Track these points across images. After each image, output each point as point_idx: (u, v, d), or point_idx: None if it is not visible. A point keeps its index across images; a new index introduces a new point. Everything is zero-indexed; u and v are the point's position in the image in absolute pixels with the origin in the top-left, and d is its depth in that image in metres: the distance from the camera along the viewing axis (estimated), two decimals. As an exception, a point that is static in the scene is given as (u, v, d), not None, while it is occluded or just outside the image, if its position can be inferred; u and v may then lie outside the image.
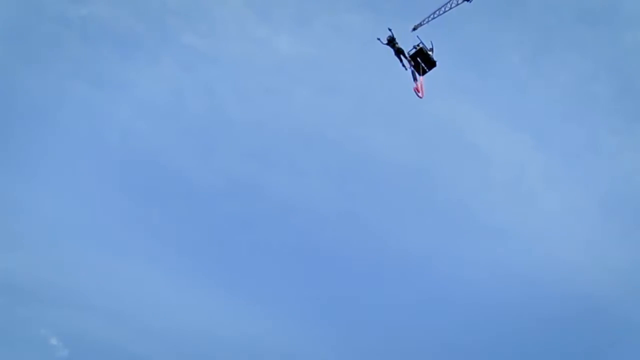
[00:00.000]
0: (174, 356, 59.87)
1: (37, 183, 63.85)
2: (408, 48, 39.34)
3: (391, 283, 65.52)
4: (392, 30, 39.13)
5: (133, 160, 67.68)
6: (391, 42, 39.47)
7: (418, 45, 39.13)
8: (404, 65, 39.81)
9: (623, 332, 60.41)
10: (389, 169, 70.14)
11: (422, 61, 38.92)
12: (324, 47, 72.28)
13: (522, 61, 73.53)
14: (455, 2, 42.51)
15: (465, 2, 42.31)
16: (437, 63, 39.26)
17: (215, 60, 71.67)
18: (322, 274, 65.98)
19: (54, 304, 59.92)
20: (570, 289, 62.15)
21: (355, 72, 69.66)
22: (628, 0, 71.72)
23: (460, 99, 69.21)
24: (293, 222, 67.72)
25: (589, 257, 65.30)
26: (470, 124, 71.23)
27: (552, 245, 66.10)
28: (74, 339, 58.64)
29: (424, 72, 39.04)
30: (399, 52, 39.82)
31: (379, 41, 39.19)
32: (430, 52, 38.93)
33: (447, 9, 42.49)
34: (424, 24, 42.71)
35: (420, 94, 38.68)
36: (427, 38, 39.96)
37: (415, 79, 39.23)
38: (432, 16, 43.11)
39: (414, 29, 42.33)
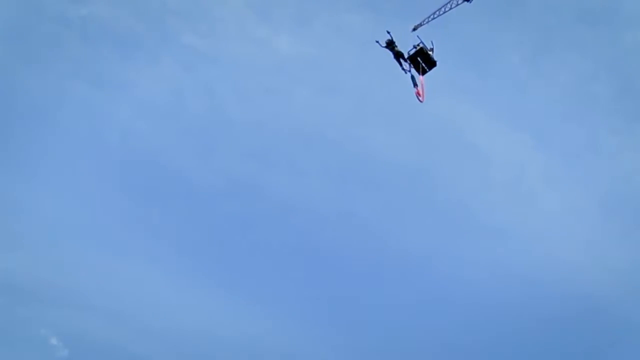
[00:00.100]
0: (174, 356, 59.90)
1: (37, 183, 63.90)
2: (408, 48, 39.16)
3: (391, 283, 65.60)
4: (391, 33, 38.83)
5: (133, 160, 67.74)
6: (390, 45, 39.09)
7: (418, 45, 39.02)
8: (403, 69, 39.50)
9: (623, 332, 60.46)
10: (389, 169, 70.22)
11: (422, 61, 38.82)
12: (324, 47, 72.36)
13: (522, 61, 73.65)
14: (455, 2, 42.57)
15: (465, 2, 42.37)
16: (437, 63, 39.16)
17: (215, 60, 71.76)
18: (322, 273, 66.07)
19: (54, 304, 59.96)
20: (570, 289, 62.19)
21: (355, 72, 69.75)
22: (628, 0, 71.79)
23: (460, 99, 69.28)
24: (293, 222, 67.78)
25: (589, 257, 65.37)
26: (470, 124, 71.32)
27: (552, 245, 66.15)
28: (74, 339, 58.66)
29: (424, 72, 38.96)
30: (398, 55, 39.41)
31: (377, 44, 38.86)
32: (430, 52, 38.87)
33: (447, 9, 42.56)
34: (424, 24, 42.75)
35: (421, 98, 38.51)
36: (427, 38, 39.92)
37: (415, 84, 38.96)
38: (432, 16, 43.16)
39: (414, 29, 42.38)
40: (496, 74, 72.59)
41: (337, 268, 66.55)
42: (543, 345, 60.74)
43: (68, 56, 67.98)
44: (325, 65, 72.32)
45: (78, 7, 68.26)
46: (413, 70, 39.42)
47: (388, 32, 38.76)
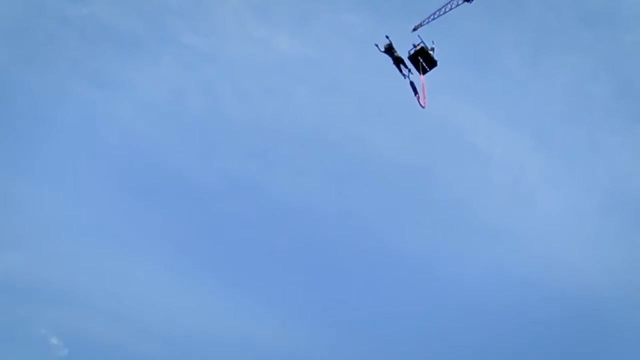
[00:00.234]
0: (174, 356, 59.92)
1: (37, 183, 63.91)
2: (408, 47, 39.05)
3: (390, 283, 65.59)
4: (390, 38, 38.44)
5: (133, 159, 67.75)
6: (389, 50, 38.59)
7: (419, 44, 38.99)
8: (403, 75, 39.05)
9: (623, 332, 60.48)
10: (389, 168, 70.23)
11: (423, 60, 38.79)
12: (324, 47, 72.38)
13: (522, 61, 73.61)
14: (455, 2, 42.57)
15: (466, 2, 42.37)
16: (437, 62, 39.15)
17: (216, 60, 71.80)
18: (321, 273, 66.08)
19: (54, 304, 59.95)
20: (569, 289, 62.19)
21: (355, 72, 69.71)
22: (628, 1, 71.83)
23: (460, 98, 69.30)
24: (293, 222, 67.81)
25: (588, 257, 65.34)
26: (470, 124, 71.35)
27: (551, 245, 66.13)
28: (74, 338, 58.66)
29: (425, 72, 38.92)
30: (397, 60, 38.84)
31: (376, 47, 38.44)
32: (431, 52, 38.86)
33: (447, 9, 42.57)
34: (424, 24, 42.78)
35: (422, 104, 38.27)
36: (427, 38, 39.82)
37: (415, 91, 38.62)
38: (432, 16, 43.19)
39: (414, 29, 42.41)
40: (496, 74, 72.67)
41: (336, 268, 66.65)
42: (543, 345, 60.78)
43: (68, 56, 68.05)
44: (325, 65, 72.41)
45: (78, 7, 68.38)
46: (413, 77, 39.01)
47: (387, 37, 38.49)
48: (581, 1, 72.82)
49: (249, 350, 60.24)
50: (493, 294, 61.97)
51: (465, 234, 66.86)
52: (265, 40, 71.03)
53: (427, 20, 43.08)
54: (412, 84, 38.81)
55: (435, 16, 43.15)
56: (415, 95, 38.54)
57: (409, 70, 39.09)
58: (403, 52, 39.12)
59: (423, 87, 38.46)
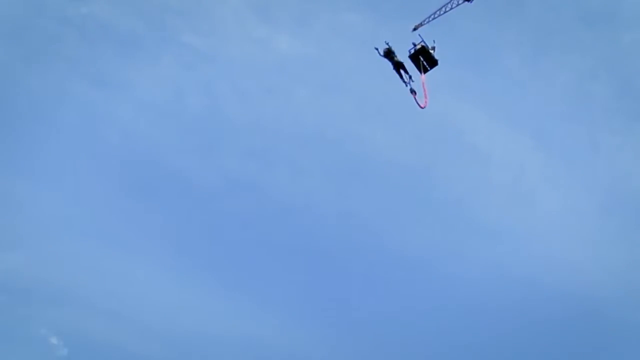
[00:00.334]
0: (173, 356, 59.93)
1: (37, 182, 63.94)
2: (409, 47, 38.95)
3: (391, 283, 65.61)
4: (390, 43, 37.82)
5: (133, 159, 67.79)
6: (389, 55, 37.91)
7: (419, 43, 38.93)
8: (404, 81, 38.34)
9: (623, 332, 60.48)
10: (389, 168, 70.25)
11: (423, 59, 38.74)
12: (324, 47, 72.40)
13: (522, 61, 73.61)
14: (455, 2, 42.52)
15: (466, 2, 42.34)
16: (438, 62, 39.09)
17: (216, 60, 71.87)
18: (321, 273, 66.08)
19: (54, 303, 59.97)
20: (569, 289, 62.18)
21: (355, 72, 69.71)
22: (628, 1, 71.82)
23: (460, 98, 69.32)
24: (293, 221, 67.82)
25: (588, 257, 65.31)
26: (470, 124, 71.40)
27: (551, 245, 66.15)
28: (74, 338, 58.67)
29: (426, 71, 38.87)
30: (397, 66, 38.10)
31: (376, 51, 37.87)
32: (432, 51, 38.81)
33: (447, 9, 42.54)
34: (424, 24, 42.74)
35: (422, 104, 38.00)
36: (427, 38, 39.71)
37: (415, 97, 38.17)
38: (432, 16, 43.15)
39: (415, 29, 42.36)
40: (496, 74, 72.68)
41: (336, 267, 66.67)
42: (543, 345, 60.79)
43: (68, 55, 68.06)
44: (325, 65, 72.46)
45: (78, 6, 68.38)
46: (413, 84, 38.49)
47: (386, 43, 37.86)
48: (581, 1, 72.94)
49: (249, 350, 60.31)
50: (493, 294, 62.04)
51: (465, 233, 66.96)
52: (265, 40, 71.18)
53: (427, 20, 43.04)
54: (412, 90, 38.28)
55: (436, 16, 43.12)
56: (415, 99, 38.31)
57: (410, 77, 38.45)
58: (403, 53, 38.95)
59: (424, 86, 38.37)
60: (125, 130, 68.39)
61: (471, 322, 61.75)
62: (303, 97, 71.74)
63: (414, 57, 38.76)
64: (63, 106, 66.88)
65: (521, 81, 72.79)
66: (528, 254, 65.52)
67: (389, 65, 38.62)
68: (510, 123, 72.10)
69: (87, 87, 67.67)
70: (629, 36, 71.62)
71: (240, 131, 70.26)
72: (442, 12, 43.00)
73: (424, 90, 38.26)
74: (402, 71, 38.30)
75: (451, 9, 42.70)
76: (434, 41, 39.30)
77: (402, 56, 38.72)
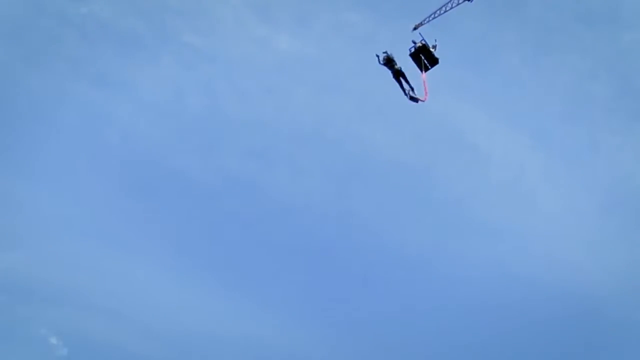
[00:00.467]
0: (173, 356, 59.94)
1: (37, 182, 63.99)
2: (409, 46, 38.99)
3: (391, 282, 65.60)
4: (389, 51, 37.12)
5: (133, 159, 67.87)
6: (389, 62, 37.08)
7: (420, 41, 38.89)
8: (403, 90, 37.52)
9: (623, 331, 60.47)
10: (389, 168, 70.29)
11: (424, 58, 38.69)
12: (324, 46, 72.43)
13: (523, 61, 73.60)
14: (456, 1, 42.42)
15: (466, 1, 42.27)
16: (439, 60, 39.04)
17: (216, 59, 71.92)
18: (321, 273, 66.09)
19: (53, 303, 60.04)
20: (569, 289, 62.16)
21: (356, 71, 69.69)
22: (628, 1, 71.83)
23: (460, 98, 69.34)
24: (293, 221, 67.83)
25: (588, 257, 65.35)
26: (470, 124, 71.42)
27: (551, 245, 66.16)
28: (74, 338, 58.75)
29: (426, 69, 38.78)
30: (398, 74, 37.18)
31: (376, 58, 37.22)
32: (432, 49, 38.78)
33: (448, 8, 42.46)
34: (424, 24, 42.66)
35: (423, 98, 37.82)
36: (428, 37, 39.68)
37: (416, 101, 37.58)
38: (432, 15, 43.07)
39: (415, 28, 42.25)
40: (496, 74, 72.69)
41: (336, 267, 66.67)
42: (542, 344, 60.81)
43: (68, 55, 68.13)
44: (325, 64, 72.50)
45: (78, 6, 68.41)
46: (414, 93, 37.88)
47: (385, 52, 37.16)
48: (581, 1, 72.96)
49: (249, 350, 60.32)
50: (493, 293, 62.05)
51: (465, 233, 67.00)
52: (265, 40, 71.20)
53: (427, 20, 42.94)
54: (413, 99, 37.81)
55: (436, 15, 43.01)
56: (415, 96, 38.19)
57: (411, 88, 37.75)
58: (404, 54, 38.80)
59: (425, 84, 38.32)
60: (125, 130, 68.54)
61: (471, 321, 61.82)
62: (303, 97, 71.88)
63: (414, 56, 38.70)
64: (63, 106, 67.02)
65: (521, 81, 72.91)
66: (528, 254, 65.65)
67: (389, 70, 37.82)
68: (511, 123, 72.23)
69: (87, 87, 67.84)
70: (629, 36, 71.72)
71: (240, 131, 70.39)
72: (442, 12, 42.89)
73: (425, 86, 38.19)
74: (402, 80, 37.48)
75: (451, 8, 42.59)
76: (435, 40, 39.28)
77: (403, 59, 38.44)
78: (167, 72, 70.15)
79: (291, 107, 71.49)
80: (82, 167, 66.48)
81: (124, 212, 65.85)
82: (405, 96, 37.80)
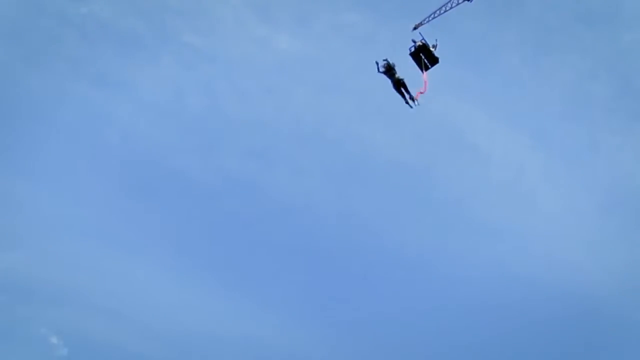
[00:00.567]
0: (173, 356, 59.96)
1: (37, 182, 64.00)
2: (409, 46, 39.01)
3: (390, 282, 65.62)
4: (389, 59, 36.55)
5: (133, 159, 67.88)
6: (389, 70, 36.39)
7: (420, 41, 38.90)
8: (405, 101, 36.71)
9: (622, 331, 60.49)
10: (389, 168, 70.29)
11: (424, 57, 38.70)
12: (323, 46, 72.43)
13: (522, 60, 73.61)
14: (455, 1, 42.42)
15: (466, 1, 42.27)
16: (439, 60, 39.06)
17: (216, 59, 71.91)
18: (321, 273, 66.10)
19: (54, 303, 60.04)
20: (569, 288, 62.18)
21: (355, 71, 69.68)
22: (628, 0, 71.84)
23: (460, 98, 69.34)
24: (293, 221, 67.84)
25: (588, 257, 65.37)
26: (470, 123, 71.44)
27: (551, 245, 66.18)
28: (74, 337, 58.76)
29: (427, 69, 38.84)
30: (398, 84, 36.33)
31: (376, 65, 36.69)
32: (432, 49, 38.80)
33: (447, 8, 42.45)
34: (424, 23, 42.66)
35: (422, 90, 37.73)
36: (428, 37, 39.72)
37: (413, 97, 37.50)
38: (432, 15, 43.07)
39: (415, 28, 42.25)
40: (496, 73, 72.66)
41: (336, 267, 66.69)
42: (542, 344, 60.82)
43: (68, 55, 68.13)
44: (325, 64, 72.52)
45: (78, 6, 68.41)
46: (415, 104, 37.33)
47: (384, 60, 36.62)
48: (581, 1, 72.96)
49: (249, 350, 60.33)
50: (493, 293, 62.08)
51: (465, 233, 67.01)
52: (265, 40, 71.21)
53: (427, 20, 42.92)
54: (413, 101, 37.51)
55: (436, 15, 42.99)
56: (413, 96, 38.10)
57: (412, 98, 37.03)
58: (404, 54, 38.77)
59: (425, 83, 38.31)
60: (125, 130, 68.54)
61: (471, 321, 61.84)
62: (303, 97, 71.90)
63: (415, 55, 38.74)
64: (63, 106, 67.02)
65: (521, 81, 72.90)
66: (528, 254, 65.67)
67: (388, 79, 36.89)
68: (510, 123, 72.23)
69: (87, 87, 67.85)
70: (629, 36, 71.73)
71: (240, 131, 70.41)
72: (442, 12, 42.88)
73: (425, 83, 38.04)
74: (403, 90, 36.73)
75: (451, 8, 42.59)
76: (436, 40, 39.35)
77: (403, 59, 38.39)
78: (167, 72, 70.25)
79: (291, 107, 71.61)
80: (82, 167, 66.58)
81: (124, 212, 65.94)
82: (407, 104, 37.30)
